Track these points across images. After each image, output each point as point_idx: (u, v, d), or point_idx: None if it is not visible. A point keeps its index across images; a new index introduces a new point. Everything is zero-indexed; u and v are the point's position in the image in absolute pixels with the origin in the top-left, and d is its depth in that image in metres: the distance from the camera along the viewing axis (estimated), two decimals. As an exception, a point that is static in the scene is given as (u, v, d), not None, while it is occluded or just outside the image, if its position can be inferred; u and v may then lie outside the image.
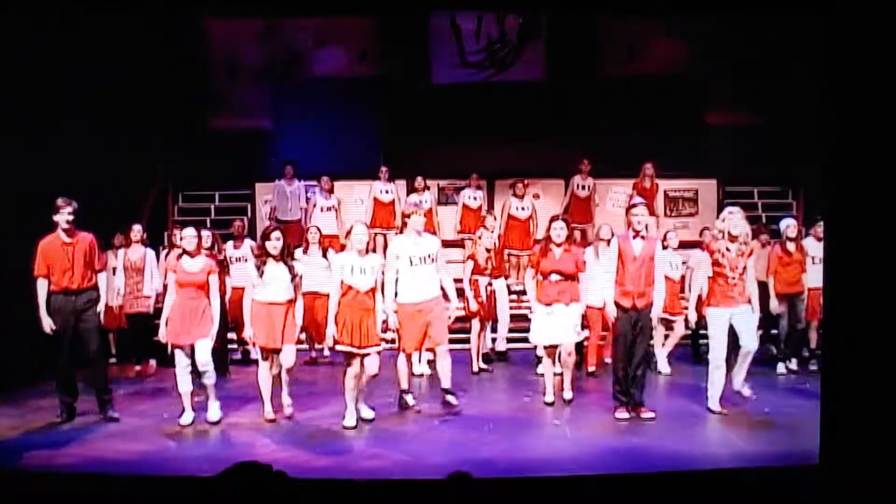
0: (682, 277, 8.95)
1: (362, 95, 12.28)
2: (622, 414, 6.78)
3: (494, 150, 11.87)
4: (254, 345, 7.21)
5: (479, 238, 8.85)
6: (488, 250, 8.80)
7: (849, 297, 4.37)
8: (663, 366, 8.70)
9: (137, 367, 9.01)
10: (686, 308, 7.86)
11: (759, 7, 7.82)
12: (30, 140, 8.17)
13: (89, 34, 8.69)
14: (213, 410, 6.84)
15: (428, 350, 7.32)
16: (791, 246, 8.64)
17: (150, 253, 9.12)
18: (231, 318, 8.44)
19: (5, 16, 6.91)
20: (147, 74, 10.36)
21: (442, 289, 7.00)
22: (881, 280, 4.26)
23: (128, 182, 10.34)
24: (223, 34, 12.64)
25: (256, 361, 7.13)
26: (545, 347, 7.28)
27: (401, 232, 7.74)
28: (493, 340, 9.42)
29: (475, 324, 8.68)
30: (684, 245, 9.17)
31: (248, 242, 9.32)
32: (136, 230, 9.07)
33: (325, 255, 8.66)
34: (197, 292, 6.77)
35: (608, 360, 7.84)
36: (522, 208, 10.99)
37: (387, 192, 11.44)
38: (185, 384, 6.76)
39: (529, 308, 7.52)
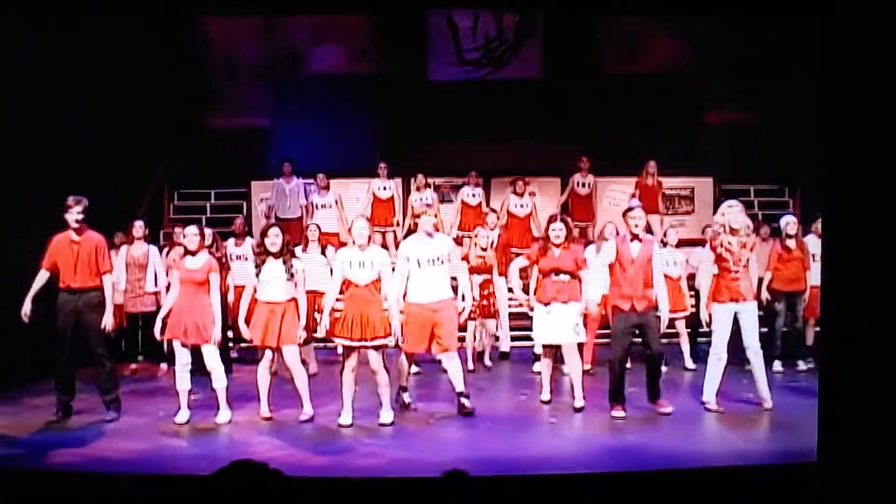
0: (686, 275, 8.91)
1: (360, 93, 12.29)
2: (618, 412, 6.77)
3: (491, 148, 11.89)
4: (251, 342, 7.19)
5: (476, 237, 8.83)
6: (483, 249, 8.78)
7: (847, 294, 4.37)
8: (688, 362, 8.74)
9: (133, 366, 8.97)
10: (692, 306, 7.80)
11: (759, 7, 7.82)
12: (30, 140, 8.15)
13: (89, 34, 8.69)
14: (224, 413, 6.81)
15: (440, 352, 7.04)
16: (791, 243, 8.61)
17: (154, 249, 9.11)
18: (232, 317, 8.42)
19: (5, 16, 6.92)
20: (146, 74, 10.36)
21: (454, 289, 6.93)
22: (879, 278, 4.26)
23: (127, 181, 10.34)
24: (222, 33, 12.65)
25: (258, 360, 7.11)
26: (544, 346, 7.27)
27: (414, 231, 7.67)
28: (497, 339, 9.40)
29: (470, 323, 8.66)
30: (681, 243, 9.15)
31: (249, 241, 9.28)
32: (139, 226, 9.05)
33: (323, 253, 8.65)
34: (197, 290, 6.75)
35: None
36: (522, 206, 10.98)
37: (385, 188, 11.43)
38: (183, 382, 6.75)
39: (524, 305, 7.48)
